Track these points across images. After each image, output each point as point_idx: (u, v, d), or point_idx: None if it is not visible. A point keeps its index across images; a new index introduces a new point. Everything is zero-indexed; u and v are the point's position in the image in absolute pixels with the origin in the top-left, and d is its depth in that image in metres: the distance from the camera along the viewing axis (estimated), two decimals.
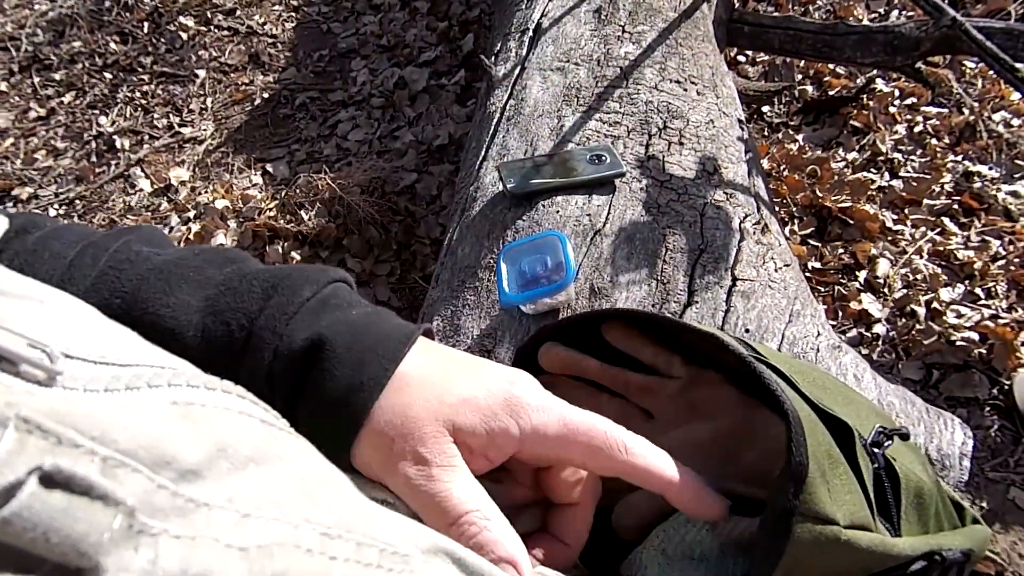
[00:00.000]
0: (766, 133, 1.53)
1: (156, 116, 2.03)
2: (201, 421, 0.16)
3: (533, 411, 0.29)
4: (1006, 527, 1.00)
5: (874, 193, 1.37)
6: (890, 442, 0.36)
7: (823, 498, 0.29)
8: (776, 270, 0.69)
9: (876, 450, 0.35)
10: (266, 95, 1.98)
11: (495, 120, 0.92)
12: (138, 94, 2.12)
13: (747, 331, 0.63)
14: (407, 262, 1.38)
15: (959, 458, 0.56)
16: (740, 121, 0.91)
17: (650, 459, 0.30)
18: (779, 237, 0.75)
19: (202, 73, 2.12)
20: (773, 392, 0.31)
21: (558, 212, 0.73)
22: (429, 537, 0.21)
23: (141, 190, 1.79)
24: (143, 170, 1.86)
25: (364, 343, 0.29)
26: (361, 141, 1.68)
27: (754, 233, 0.72)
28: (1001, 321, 1.18)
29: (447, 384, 0.29)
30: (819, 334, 0.64)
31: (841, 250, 1.29)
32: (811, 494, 0.28)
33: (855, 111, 1.49)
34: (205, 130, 1.92)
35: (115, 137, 1.98)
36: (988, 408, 1.12)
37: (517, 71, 0.99)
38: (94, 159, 1.95)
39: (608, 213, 0.72)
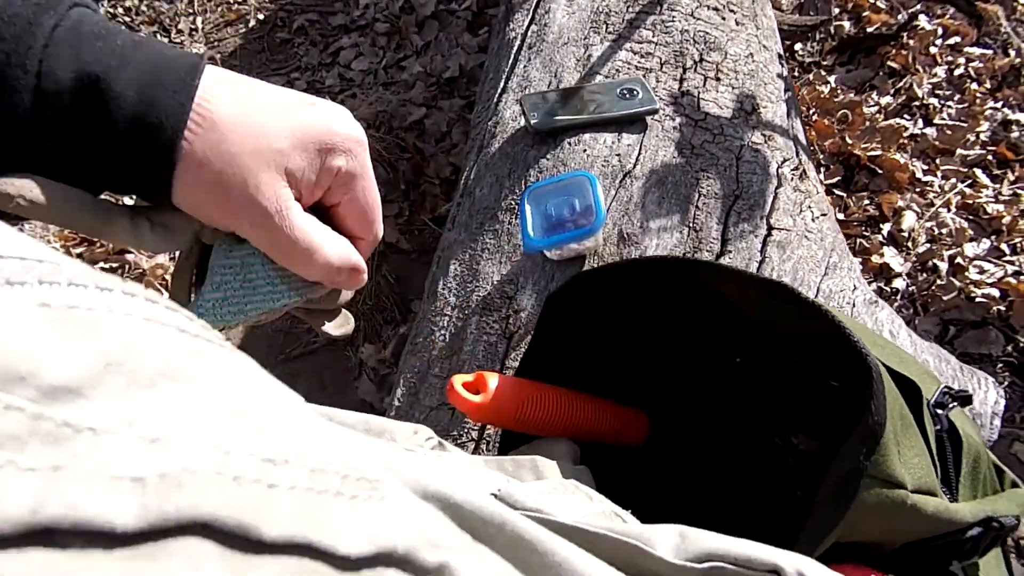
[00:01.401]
0: (796, 73, 1.45)
1: (143, 34, 1.93)
2: (84, 328, 0.13)
3: (342, 156, 0.30)
4: None
5: (906, 141, 1.31)
6: (954, 404, 0.34)
7: (894, 460, 0.27)
8: (813, 220, 0.66)
9: (940, 412, 0.33)
10: (261, 16, 1.87)
11: (515, 48, 0.86)
12: (120, 10, 2.00)
13: None
14: (415, 203, 1.33)
15: (991, 417, 0.54)
16: (780, 56, 0.85)
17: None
18: (816, 184, 0.71)
19: None
20: (855, 344, 0.28)
21: (585, 151, 0.68)
22: (416, 479, 0.18)
23: None
24: None
25: (146, 75, 0.25)
26: (365, 71, 1.60)
27: (792, 179, 0.68)
28: (1023, 278, 1.15)
29: (265, 123, 0.27)
30: (855, 288, 0.61)
31: (867, 201, 1.25)
32: (884, 456, 0.27)
33: (893, 51, 1.41)
34: (197, 52, 1.82)
35: None
36: (1001, 365, 1.11)
37: None
38: None
39: (639, 153, 0.68)
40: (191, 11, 1.97)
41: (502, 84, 0.83)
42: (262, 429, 0.14)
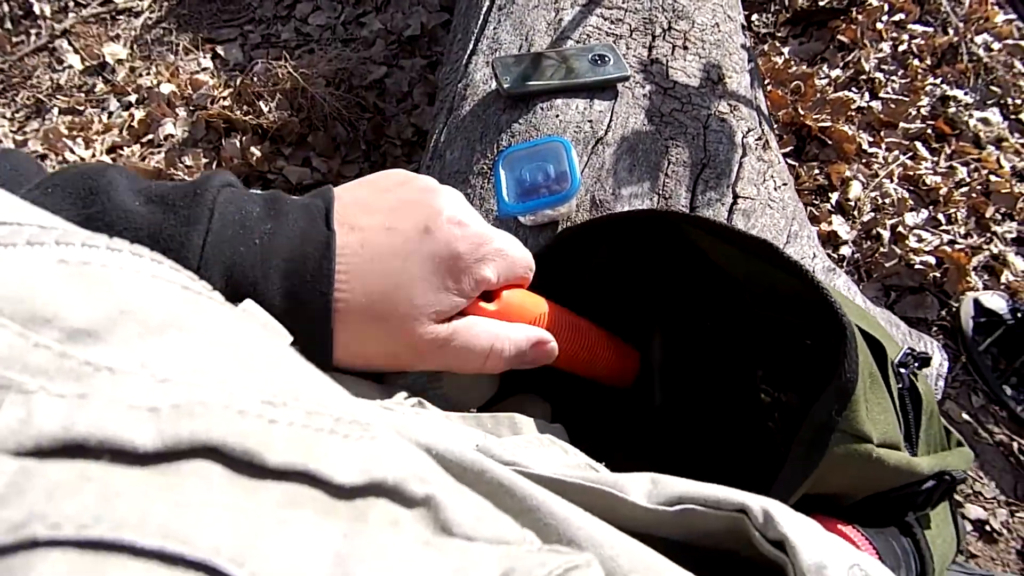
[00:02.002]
0: (753, 44, 1.47)
1: None
2: (98, 281, 0.14)
3: (484, 266, 0.31)
4: None
5: (853, 113, 1.36)
6: (916, 364, 0.37)
7: (863, 416, 0.29)
8: (775, 188, 0.68)
9: (903, 370, 0.36)
10: None
11: (484, 8, 0.84)
12: None
13: None
14: (376, 164, 1.31)
15: (936, 379, 0.58)
16: (743, 27, 0.87)
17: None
18: (778, 154, 0.74)
19: None
20: (832, 304, 0.30)
21: (558, 116, 0.68)
22: (400, 429, 0.20)
23: (70, 67, 1.60)
24: (71, 43, 1.65)
25: (286, 272, 0.27)
26: (323, 26, 1.53)
27: (756, 149, 0.70)
28: (957, 246, 1.23)
29: (398, 289, 0.29)
30: (815, 256, 0.64)
31: (817, 171, 1.30)
32: (854, 411, 0.29)
33: (844, 25, 1.45)
34: (141, 1, 1.70)
35: (32, 1, 1.74)
36: (936, 328, 1.19)
37: None
38: (9, 26, 1.72)
39: (610, 120, 0.68)
40: None
41: (471, 46, 0.82)
42: (262, 374, 0.15)
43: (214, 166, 1.29)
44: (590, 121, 0.68)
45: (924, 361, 0.36)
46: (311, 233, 0.28)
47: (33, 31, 1.70)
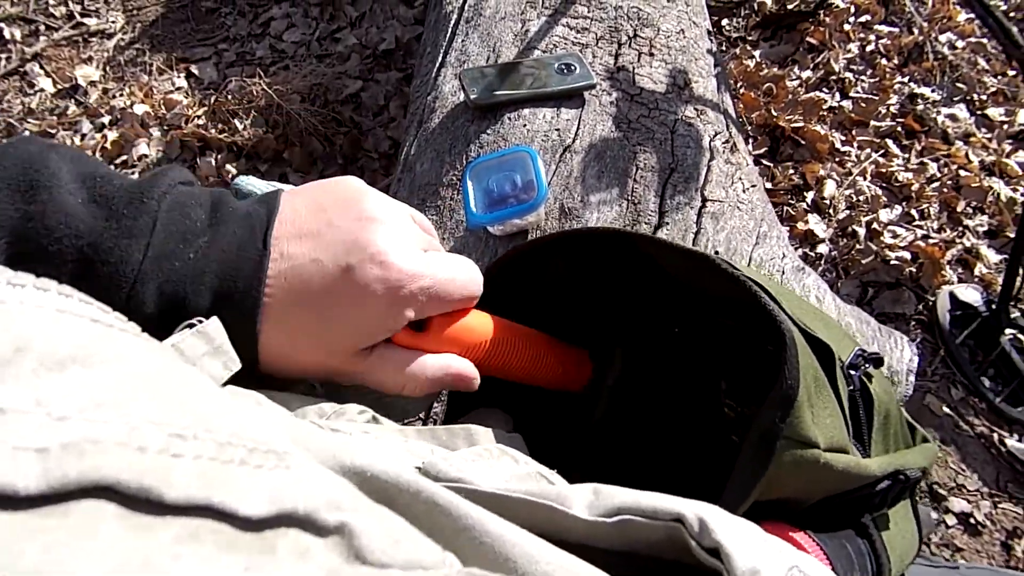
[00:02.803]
0: (724, 48, 1.49)
1: (52, 3, 1.78)
2: None
3: (409, 308, 0.31)
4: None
5: (825, 113, 1.38)
6: (867, 365, 0.37)
7: (807, 421, 0.29)
8: (744, 191, 0.69)
9: (853, 372, 0.36)
10: None
11: (453, 22, 0.85)
12: None
13: (716, 253, 0.63)
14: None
15: (906, 374, 0.59)
16: (709, 32, 0.88)
17: None
18: (747, 157, 0.74)
19: None
20: (770, 312, 0.30)
21: (525, 126, 0.69)
22: (333, 455, 0.20)
23: (42, 90, 1.59)
24: (42, 67, 1.64)
25: (218, 288, 0.27)
26: (298, 43, 1.53)
27: (723, 152, 0.71)
28: (931, 241, 1.25)
29: (320, 334, 0.30)
30: (784, 256, 0.65)
31: (792, 171, 1.31)
32: (798, 418, 0.29)
33: (812, 27, 1.47)
34: (114, 22, 1.70)
35: (2, 25, 1.73)
36: (913, 323, 1.20)
37: None
38: None
39: (578, 128, 0.69)
40: None
41: (440, 58, 0.82)
42: (173, 407, 0.15)
43: None
44: (557, 130, 0.68)
45: (876, 361, 0.36)
46: (247, 251, 0.28)
47: (3, 55, 1.69)
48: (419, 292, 0.30)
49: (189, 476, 0.13)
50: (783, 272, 0.63)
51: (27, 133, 1.49)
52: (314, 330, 0.29)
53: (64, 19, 1.74)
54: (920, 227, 1.27)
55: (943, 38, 1.51)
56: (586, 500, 0.21)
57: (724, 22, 1.51)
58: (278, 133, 1.26)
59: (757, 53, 1.47)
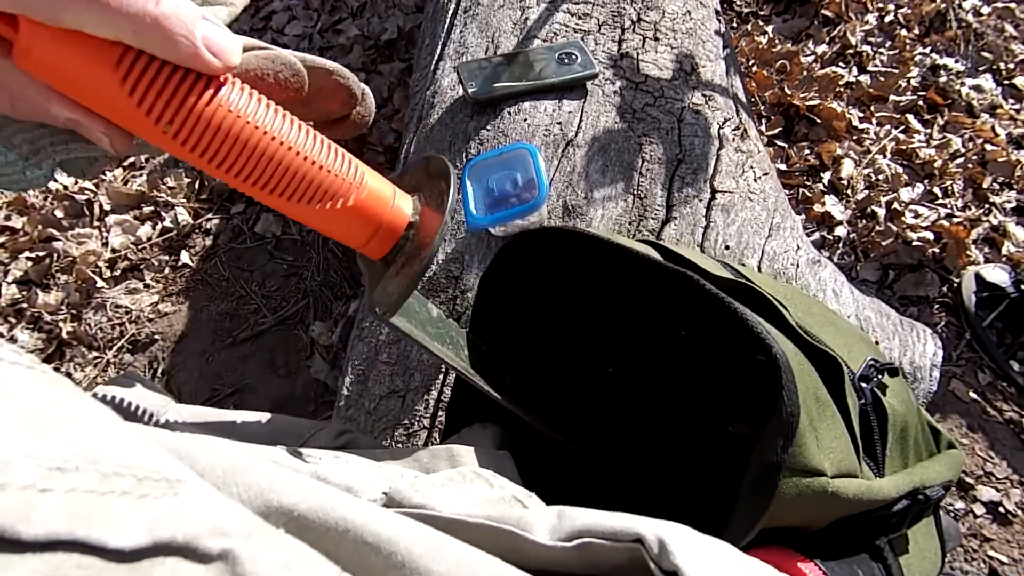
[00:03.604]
0: (735, 24, 1.44)
1: None
2: None
3: None
4: (944, 416, 1.07)
5: (842, 89, 1.33)
6: (880, 376, 0.34)
7: (811, 449, 0.27)
8: (756, 180, 0.66)
9: (864, 385, 0.34)
10: None
11: (450, 12, 0.82)
12: None
13: (727, 248, 0.60)
14: None
15: (930, 369, 0.56)
16: (717, 12, 0.84)
17: None
18: (758, 143, 0.71)
19: None
20: (760, 337, 0.28)
21: (526, 120, 0.66)
22: (260, 493, 0.19)
23: None
24: None
25: None
26: (300, 35, 1.51)
27: (733, 140, 0.68)
28: (955, 220, 1.20)
29: None
30: (799, 248, 0.62)
31: (807, 151, 1.27)
32: (800, 447, 0.27)
33: None
34: None
35: None
36: (937, 306, 1.16)
37: None
38: None
39: (580, 120, 0.66)
40: None
41: (439, 51, 0.80)
42: (60, 440, 0.15)
43: (196, 186, 1.27)
44: (559, 123, 0.66)
45: (890, 371, 0.34)
46: None
47: None
48: None
49: (54, 512, 0.13)
50: (798, 265, 0.61)
51: None
52: None
53: None
54: (943, 206, 1.23)
55: (967, 4, 1.44)
56: (549, 524, 0.20)
57: None
58: None
59: (770, 28, 1.42)
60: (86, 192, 1.30)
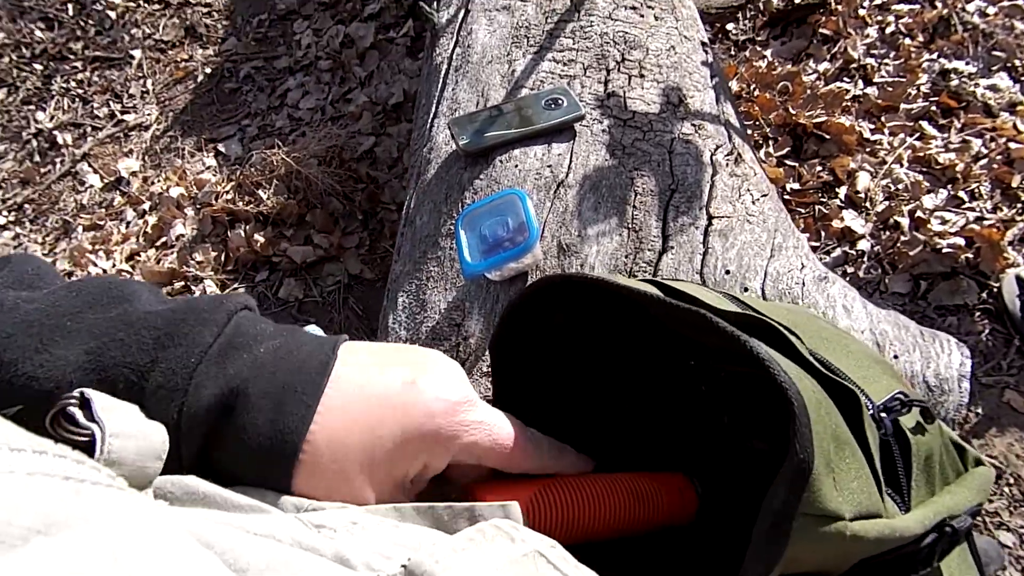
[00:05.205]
0: (732, 52, 1.46)
1: (96, 105, 1.92)
2: None
3: (464, 434, 0.30)
4: (1002, 430, 1.00)
5: (849, 104, 1.32)
6: (907, 410, 0.32)
7: (828, 493, 0.25)
8: (753, 202, 0.66)
9: (885, 416, 0.32)
10: (208, 70, 1.87)
11: (443, 72, 0.86)
12: (73, 83, 1.99)
13: (727, 272, 0.59)
14: (375, 231, 1.33)
15: (958, 381, 0.53)
16: (704, 44, 0.85)
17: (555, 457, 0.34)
18: (754, 165, 0.71)
19: (138, 53, 1.99)
20: (776, 378, 0.27)
21: (516, 167, 0.68)
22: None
23: (91, 186, 1.70)
24: (90, 164, 1.76)
25: (280, 381, 0.27)
26: (313, 108, 1.60)
27: (727, 165, 0.68)
28: (986, 223, 1.16)
29: (375, 432, 0.28)
30: (803, 266, 0.61)
31: (819, 167, 1.25)
32: (815, 491, 0.25)
33: (823, 18, 1.42)
34: (149, 115, 1.81)
35: (56, 133, 1.87)
36: (978, 313, 1.11)
37: (461, 15, 0.91)
38: (37, 158, 1.85)
39: (570, 161, 0.67)
40: (141, 75, 1.96)
41: (433, 109, 0.83)
42: (132, 568, 0.15)
43: (222, 258, 1.33)
44: (549, 166, 0.67)
45: (922, 411, 0.32)
46: (316, 353, 0.28)
47: (58, 160, 1.82)
48: (476, 424, 0.30)
49: None
50: (803, 284, 0.59)
51: (80, 227, 1.59)
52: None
53: (107, 118, 1.87)
54: (972, 209, 1.19)
55: (971, 7, 1.43)
56: None
57: (730, 26, 1.48)
58: (299, 198, 1.30)
59: (768, 53, 1.42)
60: (123, 274, 1.37)
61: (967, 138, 1.25)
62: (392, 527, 0.28)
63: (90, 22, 2.12)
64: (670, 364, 0.42)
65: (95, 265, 1.40)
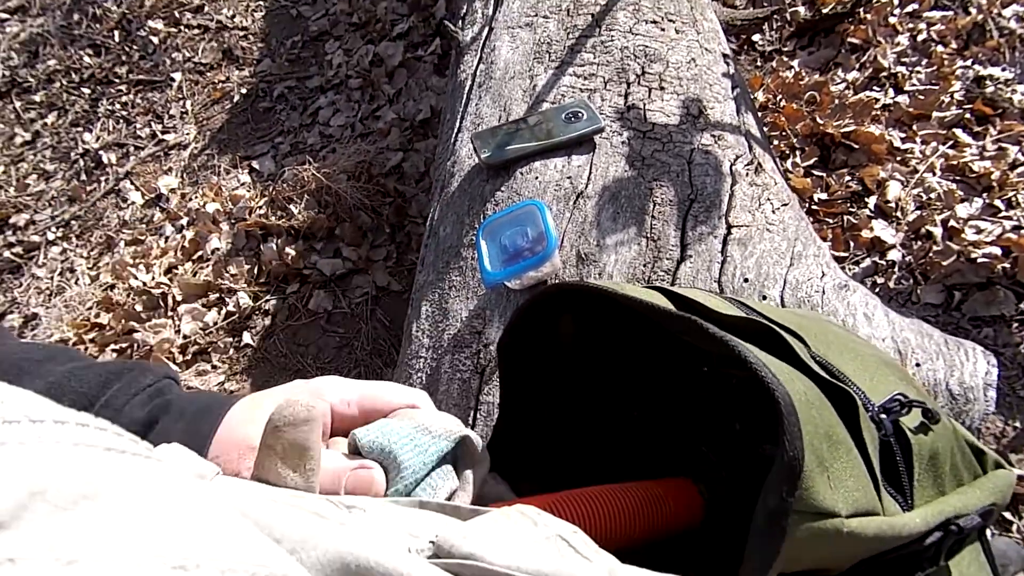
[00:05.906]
0: (759, 63, 1.45)
1: (139, 126, 2.01)
2: (12, 463, 0.15)
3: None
4: None
5: (879, 112, 1.30)
6: (906, 411, 0.33)
7: (822, 490, 0.26)
8: (773, 211, 0.66)
9: (884, 416, 0.32)
10: (244, 90, 1.94)
11: (467, 88, 0.88)
12: (118, 105, 2.09)
13: (746, 280, 0.59)
14: (402, 244, 1.36)
15: (983, 389, 0.52)
16: (725, 56, 0.86)
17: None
18: (774, 175, 0.71)
19: (178, 76, 2.08)
20: (763, 379, 0.27)
21: (537, 178, 0.69)
22: (337, 550, 0.20)
23: (133, 203, 1.78)
24: (132, 182, 1.84)
25: (197, 406, 0.34)
26: (343, 125, 1.64)
27: (747, 175, 0.68)
28: None
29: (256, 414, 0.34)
30: (823, 274, 0.61)
31: (848, 177, 1.23)
32: (808, 488, 0.25)
33: (852, 27, 1.41)
34: (188, 134, 1.89)
35: (101, 152, 1.96)
36: (1016, 324, 1.07)
37: (485, 32, 0.94)
38: (84, 177, 1.94)
39: (589, 173, 0.68)
40: (180, 96, 2.05)
41: (458, 124, 0.85)
42: (177, 536, 0.16)
43: (255, 271, 1.37)
44: (569, 177, 0.68)
45: (925, 413, 0.32)
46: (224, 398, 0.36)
47: (103, 178, 1.91)
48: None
49: None
50: (823, 292, 0.59)
51: (122, 242, 1.66)
52: None
53: (149, 138, 1.96)
54: (1008, 218, 1.15)
55: (1007, 12, 1.40)
56: None
57: (756, 38, 1.48)
58: (329, 212, 1.34)
59: (795, 63, 1.42)
60: (162, 287, 1.43)
61: (1003, 145, 1.22)
62: (417, 513, 0.29)
63: (134, 47, 2.23)
64: (683, 370, 0.42)
65: (135, 278, 1.46)
